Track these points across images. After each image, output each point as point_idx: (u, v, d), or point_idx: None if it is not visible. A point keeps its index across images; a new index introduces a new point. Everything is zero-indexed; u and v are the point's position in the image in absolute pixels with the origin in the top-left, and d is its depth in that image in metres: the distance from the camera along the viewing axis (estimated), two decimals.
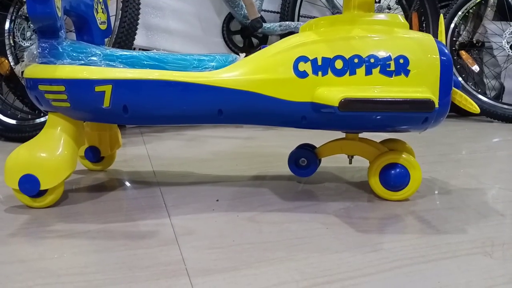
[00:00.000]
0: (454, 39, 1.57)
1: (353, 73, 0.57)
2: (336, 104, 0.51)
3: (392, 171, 0.61)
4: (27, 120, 1.13)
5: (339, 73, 0.57)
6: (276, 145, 1.02)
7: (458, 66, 1.55)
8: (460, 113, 1.68)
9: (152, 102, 0.57)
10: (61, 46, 0.57)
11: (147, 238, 0.49)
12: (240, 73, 0.59)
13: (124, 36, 1.02)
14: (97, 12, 0.72)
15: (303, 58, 0.58)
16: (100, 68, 0.56)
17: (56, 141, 0.58)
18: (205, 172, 0.79)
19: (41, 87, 0.56)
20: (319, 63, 0.57)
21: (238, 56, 0.65)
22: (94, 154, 0.77)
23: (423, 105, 0.52)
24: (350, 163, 0.70)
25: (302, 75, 0.57)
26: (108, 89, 0.55)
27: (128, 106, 0.57)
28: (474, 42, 1.63)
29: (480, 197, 0.64)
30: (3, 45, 1.28)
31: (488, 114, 1.48)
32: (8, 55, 1.29)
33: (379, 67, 0.57)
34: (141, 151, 0.98)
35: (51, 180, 0.57)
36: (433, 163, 0.87)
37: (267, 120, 0.62)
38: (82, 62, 0.56)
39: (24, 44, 1.14)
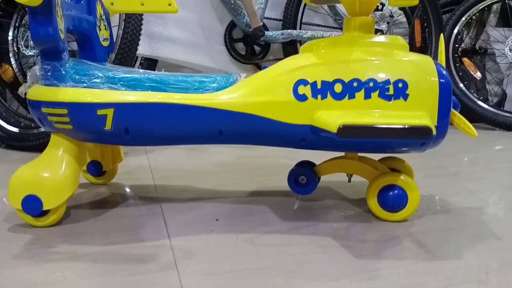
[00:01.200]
0: (457, 45, 1.57)
1: (352, 97, 0.57)
2: (335, 131, 0.52)
3: (390, 193, 0.62)
4: (30, 129, 1.14)
5: (338, 96, 0.58)
6: (276, 155, 1.03)
7: (461, 73, 1.55)
8: None
9: (153, 124, 0.58)
10: (63, 68, 0.58)
11: (147, 262, 0.50)
12: (240, 95, 0.59)
13: (127, 47, 1.02)
14: (100, 29, 0.73)
15: (303, 81, 0.58)
16: (103, 91, 0.57)
17: (59, 162, 0.59)
18: (205, 187, 0.79)
19: (44, 110, 0.57)
20: (319, 86, 0.58)
21: (239, 76, 0.66)
22: (96, 168, 0.78)
23: (421, 131, 0.52)
24: (349, 181, 0.70)
25: (302, 98, 0.58)
26: (110, 112, 0.56)
27: (129, 128, 0.57)
28: (477, 48, 1.62)
29: (478, 217, 0.64)
30: (7, 52, 1.29)
31: (490, 122, 1.48)
32: (12, 63, 1.30)
33: (378, 91, 0.57)
34: (143, 161, 0.99)
35: (54, 200, 0.58)
36: (432, 177, 0.87)
37: (266, 141, 0.63)
38: (85, 84, 0.57)
39: (27, 53, 1.15)
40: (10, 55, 1.30)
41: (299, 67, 0.59)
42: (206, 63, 1.34)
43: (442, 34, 0.69)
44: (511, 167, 0.98)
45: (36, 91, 0.58)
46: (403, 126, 0.52)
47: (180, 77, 0.61)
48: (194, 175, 0.87)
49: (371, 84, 0.57)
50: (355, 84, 0.57)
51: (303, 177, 0.70)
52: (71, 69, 0.58)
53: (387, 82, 0.57)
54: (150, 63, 1.25)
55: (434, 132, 0.52)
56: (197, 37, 1.32)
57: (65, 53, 0.59)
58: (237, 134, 0.61)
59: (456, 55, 1.57)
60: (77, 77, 0.57)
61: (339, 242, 0.55)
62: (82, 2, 0.69)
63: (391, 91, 0.57)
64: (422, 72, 0.58)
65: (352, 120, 0.53)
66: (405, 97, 0.57)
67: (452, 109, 0.61)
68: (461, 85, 1.52)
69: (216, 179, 0.84)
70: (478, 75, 1.55)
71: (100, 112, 0.56)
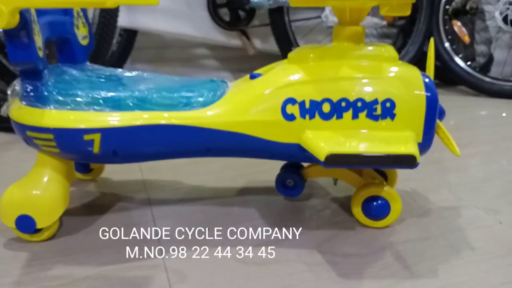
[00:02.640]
0: (447, 7, 1.53)
1: (340, 117, 0.58)
2: (322, 159, 0.53)
3: (374, 203, 0.64)
4: None
5: (326, 117, 0.58)
6: None
7: (449, 36, 1.53)
8: (443, 80, 1.69)
9: (141, 145, 0.58)
10: (45, 88, 0.56)
11: (142, 286, 0.53)
12: (228, 112, 0.59)
13: (105, 26, 0.98)
14: (78, 28, 0.69)
15: (291, 100, 0.58)
16: (88, 115, 0.56)
17: (48, 181, 0.60)
18: (194, 182, 0.81)
19: (29, 133, 0.56)
20: (307, 106, 0.58)
21: (226, 85, 0.65)
22: (83, 166, 0.79)
23: (406, 160, 0.53)
24: (335, 184, 0.72)
25: (290, 118, 0.58)
26: (97, 137, 0.55)
27: (117, 151, 0.57)
28: (468, 9, 1.59)
29: (455, 222, 0.68)
30: None
31: (475, 87, 1.49)
32: None
33: (365, 111, 0.57)
34: None
35: (47, 219, 0.59)
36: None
37: (255, 155, 0.64)
38: (69, 107, 0.56)
39: None
40: None
41: (288, 84, 0.59)
42: (189, 32, 1.29)
43: (432, 38, 0.67)
44: (491, 150, 1.01)
45: (19, 113, 0.57)
46: (388, 155, 0.53)
47: (165, 93, 0.60)
48: (181, 167, 0.88)
49: (359, 104, 0.57)
50: (343, 104, 0.57)
51: (290, 180, 0.72)
52: (54, 88, 0.56)
53: (375, 102, 0.57)
54: (129, 35, 1.20)
55: (418, 160, 0.53)
56: (179, 4, 1.26)
57: (46, 71, 0.57)
58: (225, 150, 0.61)
59: (446, 16, 1.54)
60: (60, 98, 0.56)
61: (324, 257, 0.59)
62: None
63: (379, 111, 0.58)
64: (409, 88, 0.58)
65: (339, 149, 0.53)
66: (392, 117, 0.58)
67: (438, 121, 0.62)
68: (449, 49, 1.51)
69: (205, 173, 0.86)
70: (466, 39, 1.53)
71: (86, 137, 0.55)
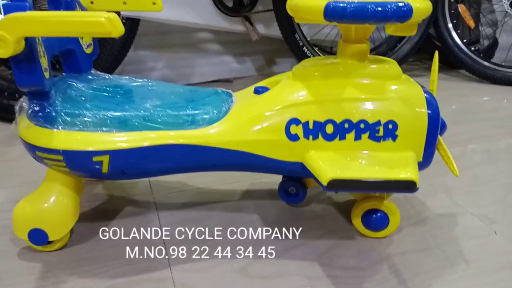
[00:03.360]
0: None
1: (343, 138, 0.59)
2: (325, 184, 0.54)
3: (373, 216, 0.66)
4: (14, 100, 1.11)
5: (329, 137, 0.59)
6: None
7: (455, 21, 1.50)
8: (445, 64, 1.67)
9: (148, 163, 0.59)
10: (53, 109, 0.57)
11: None
12: (233, 131, 0.60)
13: None
14: (82, 38, 0.69)
15: (295, 121, 0.59)
16: (96, 136, 0.57)
17: (58, 196, 0.61)
18: (198, 185, 0.83)
19: (39, 154, 0.58)
20: (311, 126, 0.59)
21: (231, 99, 0.65)
22: None
23: (406, 185, 0.55)
24: (336, 192, 0.74)
25: (294, 138, 0.59)
26: (105, 158, 0.57)
27: (125, 170, 0.59)
28: None
29: (451, 231, 0.70)
30: None
31: (478, 74, 1.49)
32: None
33: (368, 132, 0.59)
34: None
35: (58, 232, 0.62)
36: None
37: (260, 171, 0.65)
38: (77, 128, 0.57)
39: None
40: None
41: (292, 104, 0.59)
42: (192, 19, 1.27)
43: (436, 52, 0.67)
44: (489, 148, 1.02)
45: (29, 133, 0.58)
46: (389, 181, 0.55)
47: (170, 111, 0.60)
48: None
49: (362, 126, 0.58)
50: (346, 125, 0.58)
51: (293, 188, 0.74)
52: (61, 108, 0.57)
53: (378, 123, 0.58)
54: (132, 23, 1.18)
55: (418, 186, 0.55)
56: None
57: (52, 91, 0.58)
58: (230, 166, 0.63)
59: (452, 0, 1.51)
60: (68, 119, 0.57)
61: (324, 270, 0.61)
62: None
63: (381, 133, 0.59)
64: (411, 107, 0.59)
65: (341, 175, 0.55)
66: (394, 138, 0.59)
67: (439, 137, 0.63)
68: (454, 34, 1.49)
69: (208, 174, 0.87)
70: (471, 24, 1.50)
71: (95, 158, 0.57)
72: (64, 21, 0.48)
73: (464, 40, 1.50)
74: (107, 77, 0.70)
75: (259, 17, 1.38)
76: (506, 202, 0.79)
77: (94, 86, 0.64)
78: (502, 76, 1.46)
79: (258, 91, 0.64)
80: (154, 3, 0.71)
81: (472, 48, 1.52)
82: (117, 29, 0.48)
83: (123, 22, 1.16)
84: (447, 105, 1.30)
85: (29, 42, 0.51)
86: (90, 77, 0.69)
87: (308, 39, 1.37)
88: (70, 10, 0.66)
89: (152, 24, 1.28)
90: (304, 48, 1.36)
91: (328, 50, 1.55)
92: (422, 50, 1.70)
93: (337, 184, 0.55)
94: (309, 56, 1.39)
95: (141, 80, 0.71)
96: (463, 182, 0.86)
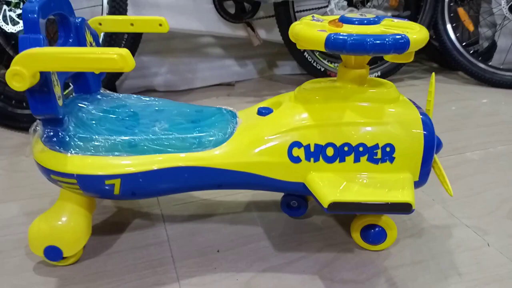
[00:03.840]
0: None
1: (342, 160, 0.62)
2: (326, 206, 0.57)
3: (372, 230, 0.70)
4: (21, 108, 1.14)
5: (329, 160, 0.62)
6: None
7: (454, 24, 1.52)
8: (444, 66, 1.70)
9: (157, 185, 0.62)
10: (67, 134, 0.60)
11: None
12: (238, 153, 0.63)
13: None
14: None
15: (297, 144, 0.62)
16: (108, 161, 0.60)
17: (72, 214, 0.65)
18: (203, 197, 0.86)
19: (54, 177, 0.61)
20: (312, 149, 0.62)
21: (236, 120, 0.68)
22: None
23: (402, 207, 0.58)
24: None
25: (296, 160, 0.62)
26: (117, 182, 0.60)
27: (136, 192, 0.62)
28: None
29: (446, 243, 0.73)
30: None
31: (477, 77, 1.51)
32: None
33: (367, 155, 0.61)
34: None
35: (72, 249, 0.65)
36: None
37: (264, 189, 0.68)
38: (89, 153, 0.60)
39: (8, 29, 1.09)
40: None
41: (294, 128, 0.62)
42: (195, 27, 1.29)
43: (433, 73, 0.70)
44: (485, 156, 1.05)
45: (43, 157, 0.60)
46: (386, 203, 0.58)
47: (178, 135, 0.63)
48: None
49: (361, 149, 0.61)
50: (346, 148, 0.61)
51: (295, 202, 0.77)
52: (74, 133, 0.60)
53: (376, 146, 0.61)
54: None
55: (414, 207, 0.58)
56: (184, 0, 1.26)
57: (66, 117, 0.60)
58: (235, 185, 0.66)
59: (451, 3, 1.52)
60: (81, 144, 0.60)
61: (324, 283, 0.65)
62: (71, 40, 0.67)
63: (379, 155, 0.62)
64: (408, 129, 0.62)
65: (340, 198, 0.58)
66: (392, 160, 0.62)
67: (435, 156, 0.66)
68: (453, 37, 1.51)
69: None
70: (470, 27, 1.52)
71: (108, 182, 0.60)
72: (78, 58, 0.50)
73: (464, 44, 1.52)
74: (115, 96, 0.73)
75: (260, 23, 1.40)
76: (499, 213, 0.82)
77: (104, 108, 0.67)
78: (500, 79, 1.48)
79: (261, 112, 0.67)
80: (160, 25, 0.74)
81: (472, 51, 1.54)
82: (129, 65, 0.50)
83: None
84: (445, 110, 1.32)
85: (44, 74, 0.54)
86: (99, 97, 0.71)
87: None
88: (80, 33, 0.68)
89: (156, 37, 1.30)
90: (305, 53, 1.38)
91: (329, 53, 1.57)
92: (420, 51, 1.72)
93: (337, 207, 0.58)
94: (310, 61, 1.41)
95: (148, 99, 0.74)
96: (459, 192, 0.89)
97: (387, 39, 0.54)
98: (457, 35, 1.52)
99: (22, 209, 0.82)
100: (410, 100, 0.68)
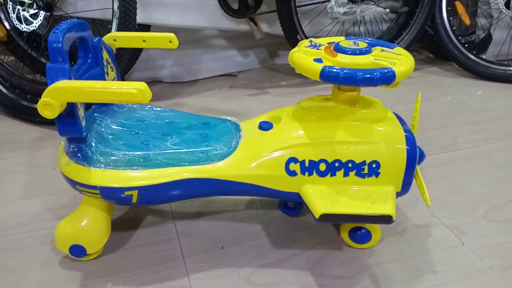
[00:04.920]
0: None
1: (333, 174, 0.70)
2: (317, 217, 0.66)
3: (358, 232, 0.78)
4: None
5: (322, 174, 0.70)
6: None
7: (451, 18, 1.56)
8: (439, 56, 1.75)
9: (170, 194, 0.70)
10: (89, 150, 0.67)
11: None
12: (240, 167, 0.71)
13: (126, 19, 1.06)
14: (108, 74, 0.78)
15: (294, 159, 0.69)
16: (127, 174, 0.67)
17: (94, 217, 0.73)
18: None
19: (79, 187, 0.69)
20: (307, 165, 0.69)
21: (239, 134, 0.75)
22: None
23: (384, 219, 0.66)
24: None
25: (292, 174, 0.70)
26: (135, 193, 0.68)
27: (151, 200, 0.70)
28: None
29: (425, 242, 0.82)
30: None
31: (470, 70, 1.56)
32: (3, 19, 1.29)
33: (355, 170, 0.69)
34: None
35: (95, 247, 0.74)
36: None
37: (264, 197, 0.76)
38: (110, 167, 0.67)
39: (21, 28, 1.14)
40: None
41: (291, 145, 0.70)
42: (200, 23, 1.34)
43: (419, 93, 0.76)
44: (470, 155, 1.13)
45: (70, 170, 0.68)
46: (370, 215, 0.66)
47: (189, 151, 0.71)
48: None
49: (350, 165, 0.69)
50: (336, 164, 0.69)
51: (291, 203, 0.86)
52: (96, 149, 0.68)
53: (363, 163, 0.69)
54: (144, 28, 1.26)
55: (394, 218, 0.66)
56: None
57: (89, 134, 0.68)
58: (238, 193, 0.74)
59: None
60: (102, 159, 0.67)
61: (315, 279, 0.74)
62: (90, 60, 0.73)
63: (366, 171, 0.69)
64: (392, 146, 0.70)
65: (330, 210, 0.66)
66: (377, 175, 0.70)
67: (417, 168, 0.74)
68: (450, 31, 1.55)
69: None
70: (467, 21, 1.56)
71: (126, 193, 0.68)
72: (101, 92, 0.57)
73: (460, 35, 1.56)
74: (129, 107, 0.80)
75: (262, 17, 1.44)
76: (477, 213, 0.91)
77: (121, 121, 0.74)
78: (493, 73, 1.54)
79: (262, 127, 0.74)
80: (170, 41, 0.80)
81: (467, 44, 1.58)
82: (146, 98, 0.57)
83: (135, 28, 1.24)
84: (436, 106, 1.39)
85: (70, 103, 0.61)
86: (115, 108, 0.78)
87: (310, 38, 1.44)
88: (97, 51, 0.75)
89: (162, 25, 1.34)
90: None
91: None
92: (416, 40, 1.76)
93: (327, 217, 0.66)
94: None
95: (159, 109, 0.81)
96: (441, 193, 0.97)
97: (375, 74, 0.61)
98: (454, 28, 1.56)
99: (45, 205, 0.91)
100: (397, 115, 0.75)
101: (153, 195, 0.69)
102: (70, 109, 0.62)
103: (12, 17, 1.13)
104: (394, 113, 0.76)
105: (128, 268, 0.76)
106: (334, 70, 0.61)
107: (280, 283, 0.73)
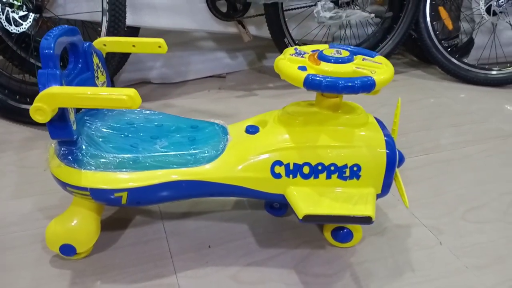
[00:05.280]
0: None
1: (316, 177, 0.73)
2: (301, 218, 0.69)
3: (340, 231, 0.81)
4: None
5: (305, 176, 0.73)
6: None
7: (434, 23, 1.60)
8: (418, 57, 1.79)
9: (158, 196, 0.73)
10: (80, 152, 0.69)
11: None
12: (228, 169, 0.73)
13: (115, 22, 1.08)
14: (98, 78, 0.80)
15: (279, 162, 0.72)
16: (117, 176, 0.69)
17: (84, 217, 0.75)
18: None
19: (69, 189, 0.70)
20: (291, 168, 0.72)
21: (226, 137, 0.77)
22: None
23: (364, 220, 0.69)
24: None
25: (277, 176, 0.73)
26: (124, 194, 0.70)
27: (140, 201, 0.72)
28: None
29: (405, 242, 0.86)
30: None
31: (452, 74, 1.61)
32: None
33: (337, 173, 0.72)
34: None
35: (84, 246, 0.76)
36: None
37: (249, 198, 0.79)
38: (100, 169, 0.69)
39: (11, 29, 1.15)
40: None
41: (276, 149, 0.72)
42: (188, 26, 1.36)
43: (399, 99, 0.79)
44: (451, 157, 1.17)
45: (60, 172, 0.70)
46: (350, 216, 0.69)
47: (176, 152, 0.73)
48: None
49: (332, 168, 0.72)
50: (319, 167, 0.72)
51: (277, 203, 0.88)
52: (86, 152, 0.70)
53: (345, 166, 0.72)
54: (133, 31, 1.27)
55: (374, 219, 0.69)
56: (179, 0, 1.32)
57: (79, 138, 0.70)
58: (225, 194, 0.77)
59: (433, 1, 1.60)
60: (92, 161, 0.69)
61: (299, 277, 0.77)
62: (80, 65, 0.75)
63: (347, 174, 0.72)
64: (373, 150, 0.73)
65: (312, 211, 0.69)
66: (358, 177, 0.73)
67: (396, 171, 0.77)
68: (433, 35, 1.59)
69: None
70: (450, 26, 1.60)
71: (116, 194, 0.70)
72: (92, 98, 0.59)
73: (443, 39, 1.61)
74: (119, 111, 0.81)
75: (250, 20, 1.46)
76: (455, 214, 0.95)
77: (110, 124, 0.76)
78: (474, 76, 1.59)
79: (249, 131, 0.77)
80: (159, 47, 0.82)
81: (449, 48, 1.63)
82: (136, 104, 0.59)
83: (125, 31, 1.25)
84: (420, 108, 1.43)
85: (62, 108, 0.63)
86: (105, 111, 0.80)
87: (297, 41, 1.47)
88: (88, 56, 0.76)
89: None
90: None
91: None
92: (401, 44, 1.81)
93: (310, 218, 0.69)
94: None
95: (148, 112, 0.83)
96: (422, 194, 1.01)
97: (356, 82, 0.64)
98: (437, 32, 1.60)
99: (36, 205, 0.92)
100: (378, 120, 0.78)
101: (142, 196, 0.71)
102: (61, 114, 0.64)
103: (1, 18, 1.14)
104: (375, 117, 0.79)
105: (118, 266, 0.78)
106: (317, 78, 0.64)
107: (265, 281, 0.76)
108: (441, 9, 1.61)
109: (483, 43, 1.67)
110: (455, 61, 1.60)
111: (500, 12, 1.54)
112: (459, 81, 1.62)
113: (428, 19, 1.59)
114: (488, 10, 1.54)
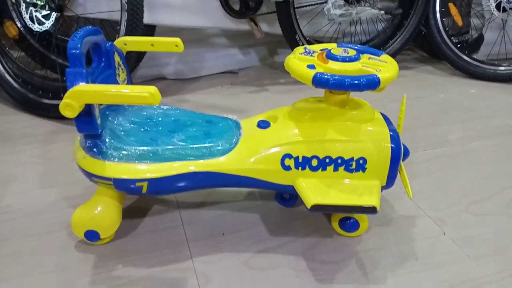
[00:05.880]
0: None
1: (324, 169, 0.77)
2: (309, 207, 0.73)
3: (347, 221, 0.86)
4: (51, 98, 1.27)
5: (314, 169, 0.77)
6: None
7: (444, 19, 1.62)
8: (428, 53, 1.81)
9: (176, 186, 0.78)
10: (104, 145, 0.75)
11: (181, 286, 0.76)
12: (240, 161, 0.78)
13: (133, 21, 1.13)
14: (119, 75, 0.85)
15: (288, 155, 0.77)
16: (138, 167, 0.75)
17: (107, 205, 0.80)
18: None
19: (94, 179, 0.76)
20: (300, 160, 0.77)
21: (239, 131, 0.82)
22: None
23: (369, 209, 0.73)
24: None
25: (287, 168, 0.77)
26: (145, 184, 0.75)
27: (159, 191, 0.78)
28: None
29: (409, 232, 0.90)
30: (7, 7, 1.33)
31: (462, 69, 1.63)
32: (15, 18, 1.35)
33: (344, 166, 0.77)
34: None
35: (108, 232, 0.81)
36: None
37: (261, 188, 0.84)
38: (123, 160, 0.75)
39: (34, 28, 1.20)
40: (10, 9, 1.35)
41: (287, 143, 0.77)
42: (202, 23, 1.40)
43: (404, 96, 0.83)
44: (457, 152, 1.20)
45: (86, 163, 0.76)
46: (356, 206, 0.73)
47: (192, 145, 0.78)
48: None
49: (339, 161, 0.76)
50: (327, 160, 0.76)
51: (287, 194, 0.93)
52: (110, 144, 0.75)
53: (352, 159, 0.76)
54: (150, 28, 1.32)
55: (378, 209, 0.73)
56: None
57: (103, 131, 0.75)
58: (238, 185, 0.82)
59: None
60: (115, 153, 0.75)
61: (307, 263, 0.82)
62: (103, 64, 0.80)
63: (354, 166, 0.77)
64: (379, 144, 0.77)
65: (321, 201, 0.73)
66: (364, 170, 0.77)
67: (401, 163, 0.81)
68: (443, 32, 1.62)
69: None
70: (459, 23, 1.62)
71: (137, 184, 0.75)
72: (117, 95, 0.64)
73: (453, 35, 1.63)
74: (137, 106, 0.87)
75: (262, 17, 1.50)
76: (459, 206, 0.98)
77: (132, 119, 0.82)
78: (483, 72, 1.60)
79: (260, 125, 0.82)
80: (176, 46, 0.87)
81: (459, 44, 1.65)
82: (156, 100, 0.64)
83: (142, 29, 1.30)
84: (428, 105, 1.46)
85: (88, 103, 0.68)
86: (126, 107, 0.86)
87: (308, 38, 1.51)
88: (110, 55, 0.82)
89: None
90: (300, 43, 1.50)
91: None
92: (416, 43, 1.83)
93: (318, 208, 0.73)
94: None
95: (165, 108, 0.88)
96: (427, 187, 1.04)
97: (361, 80, 0.68)
98: (447, 29, 1.62)
99: (60, 194, 0.98)
100: (384, 116, 0.82)
101: (161, 186, 0.77)
102: (88, 109, 0.69)
103: (25, 17, 1.20)
104: (381, 113, 0.83)
105: (138, 251, 0.83)
106: (325, 77, 0.68)
107: (275, 267, 0.81)
108: (451, 5, 1.63)
109: (493, 39, 1.69)
110: (464, 57, 1.62)
111: (510, 9, 1.56)
112: (469, 77, 1.64)
113: (438, 15, 1.61)
114: (498, 7, 1.56)
